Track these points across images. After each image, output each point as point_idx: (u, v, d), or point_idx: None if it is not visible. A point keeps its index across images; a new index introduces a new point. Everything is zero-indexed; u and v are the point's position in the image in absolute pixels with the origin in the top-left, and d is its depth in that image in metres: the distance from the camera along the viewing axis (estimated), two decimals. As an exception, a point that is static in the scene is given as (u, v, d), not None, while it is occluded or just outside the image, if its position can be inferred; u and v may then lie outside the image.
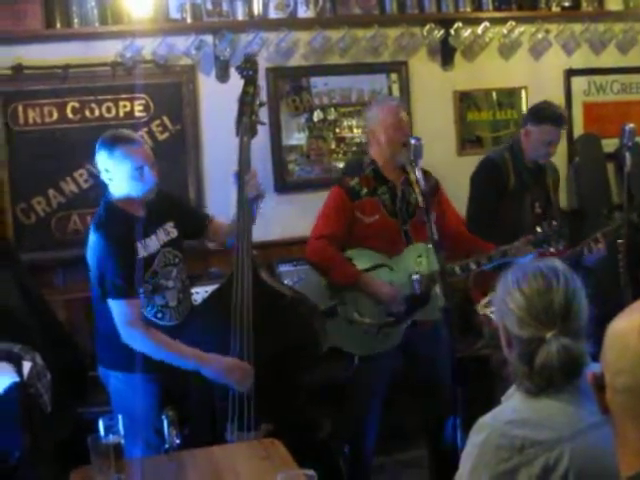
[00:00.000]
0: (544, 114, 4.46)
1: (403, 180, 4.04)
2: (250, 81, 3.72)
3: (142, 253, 3.56)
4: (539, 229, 4.09)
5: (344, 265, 4.04)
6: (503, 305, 2.07)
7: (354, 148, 5.48)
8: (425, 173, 4.15)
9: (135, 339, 3.50)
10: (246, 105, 3.68)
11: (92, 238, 3.56)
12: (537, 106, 4.62)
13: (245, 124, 3.67)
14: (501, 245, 4.11)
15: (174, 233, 3.74)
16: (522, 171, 4.53)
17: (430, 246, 3.70)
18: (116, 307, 3.50)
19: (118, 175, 3.54)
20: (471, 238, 4.25)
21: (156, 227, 3.67)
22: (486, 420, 2.04)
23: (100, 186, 3.74)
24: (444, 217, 4.18)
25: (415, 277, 3.99)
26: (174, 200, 3.96)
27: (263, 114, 5.18)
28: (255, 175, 3.71)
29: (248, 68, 3.73)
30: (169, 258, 3.68)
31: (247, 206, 3.65)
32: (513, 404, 2.06)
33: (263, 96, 5.16)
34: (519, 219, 4.48)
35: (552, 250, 4.06)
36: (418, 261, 4.01)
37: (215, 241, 4.14)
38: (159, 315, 3.66)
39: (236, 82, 3.90)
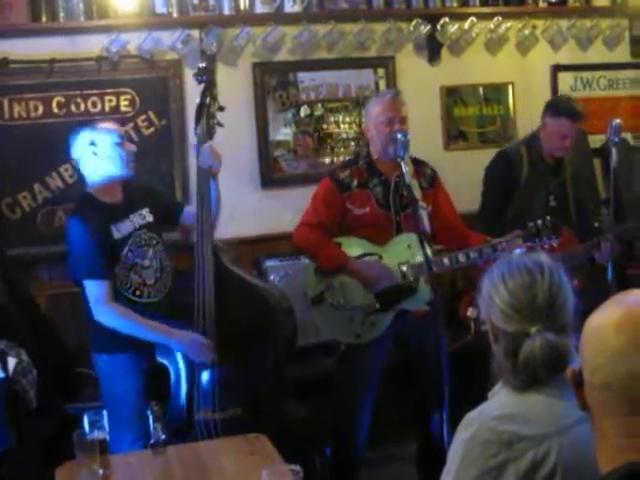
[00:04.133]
0: (561, 107, 4.51)
1: (397, 173, 4.03)
2: (206, 86, 3.90)
3: (116, 235, 3.75)
4: (531, 224, 4.10)
5: (330, 249, 4.07)
6: (489, 299, 2.07)
7: (340, 144, 5.48)
8: (422, 164, 4.18)
9: (106, 316, 3.69)
10: (204, 108, 3.88)
11: (69, 223, 3.80)
12: (556, 99, 4.68)
13: (203, 126, 3.87)
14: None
15: (150, 218, 3.92)
16: (538, 164, 4.59)
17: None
18: (90, 287, 3.70)
19: (104, 145, 3.76)
20: (466, 232, 4.26)
21: (131, 212, 3.85)
22: (473, 416, 2.03)
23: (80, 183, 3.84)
24: (438, 209, 4.18)
25: (403, 267, 4.00)
26: (149, 189, 4.13)
27: (250, 107, 5.23)
28: (211, 147, 3.85)
29: (202, 75, 3.91)
30: (144, 239, 3.85)
31: (205, 175, 3.85)
32: (500, 399, 2.06)
33: (249, 90, 5.22)
34: (531, 210, 4.53)
35: (551, 244, 4.07)
36: (408, 251, 4.01)
37: (188, 230, 4.16)
38: (137, 293, 3.80)
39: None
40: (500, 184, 4.63)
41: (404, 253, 4.03)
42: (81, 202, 3.87)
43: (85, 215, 3.73)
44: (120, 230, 3.76)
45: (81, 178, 3.89)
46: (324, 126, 5.45)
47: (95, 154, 3.76)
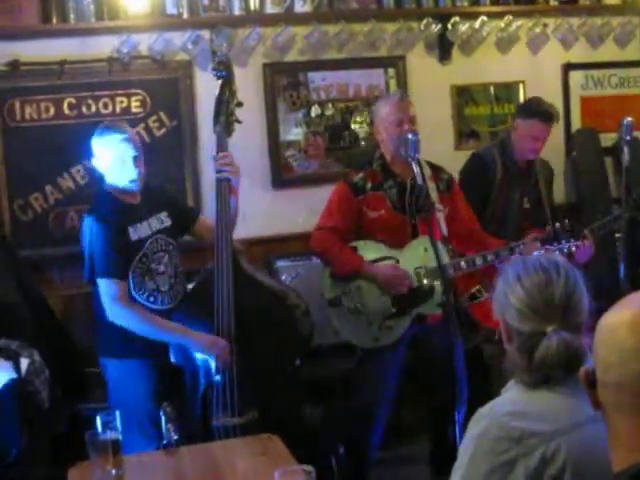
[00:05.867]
0: (533, 109, 4.52)
1: (412, 175, 4.02)
2: (225, 81, 3.83)
3: (133, 236, 3.71)
4: (548, 227, 4.09)
5: (346, 254, 4.06)
6: (503, 299, 2.07)
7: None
8: (439, 169, 4.17)
9: (121, 316, 3.65)
10: (223, 104, 3.81)
11: (85, 222, 3.74)
12: (527, 101, 4.68)
13: (222, 123, 3.81)
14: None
15: (168, 222, 3.89)
16: (510, 166, 4.59)
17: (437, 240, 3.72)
18: (104, 285, 3.66)
19: (103, 162, 3.74)
20: (482, 235, 4.25)
21: (149, 215, 3.81)
22: (484, 412, 2.04)
23: (96, 181, 3.84)
24: (456, 213, 4.17)
25: (420, 271, 4.00)
26: (168, 194, 4.17)
27: (260, 108, 5.23)
28: (227, 156, 3.80)
29: (221, 69, 3.84)
30: (161, 244, 3.82)
31: (222, 188, 3.78)
32: (511, 396, 2.06)
33: (260, 91, 5.22)
34: (506, 213, 4.54)
35: (570, 248, 4.06)
36: (425, 254, 4.01)
37: (203, 237, 4.14)
38: (151, 299, 3.77)
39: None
40: (476, 185, 4.60)
41: (421, 257, 4.02)
42: (98, 200, 3.84)
43: (101, 214, 3.69)
44: (137, 232, 3.73)
45: (99, 175, 3.85)
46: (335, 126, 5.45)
47: (99, 166, 3.77)
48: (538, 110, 4.50)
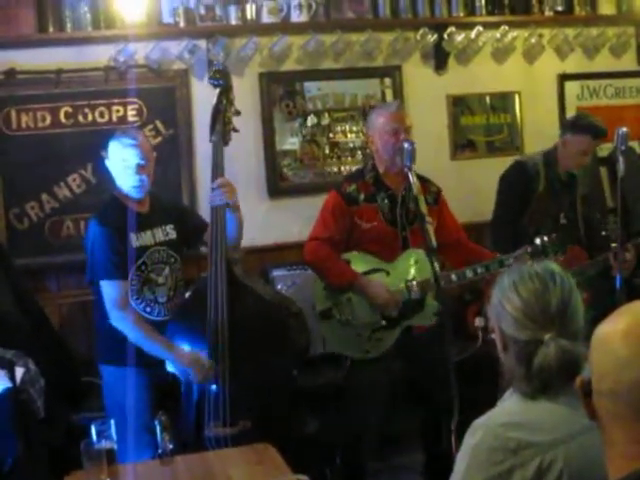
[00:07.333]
0: (584, 125, 4.52)
1: (404, 187, 4.02)
2: (222, 90, 3.84)
3: (134, 243, 3.74)
4: (537, 240, 4.09)
5: (340, 266, 4.05)
6: (499, 307, 2.07)
7: (347, 153, 5.48)
8: (427, 181, 4.16)
9: (121, 321, 3.70)
10: (219, 113, 3.83)
11: (88, 226, 3.82)
12: (576, 117, 4.68)
13: (218, 131, 3.81)
14: (519, 248, 4.13)
15: (173, 235, 3.91)
16: (554, 180, 4.58)
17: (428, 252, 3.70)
18: (106, 288, 3.71)
19: (111, 164, 3.79)
20: (471, 247, 4.26)
21: (155, 225, 3.85)
22: (480, 422, 2.03)
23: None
24: (444, 224, 4.17)
25: (410, 283, 3.99)
26: (179, 208, 4.20)
27: (257, 117, 5.23)
28: (223, 184, 3.77)
29: (218, 78, 3.85)
30: (163, 256, 3.85)
31: (218, 214, 3.75)
32: (508, 406, 2.06)
33: (256, 100, 5.22)
34: (542, 225, 4.51)
35: (557, 259, 4.07)
36: (415, 267, 4.01)
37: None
38: (147, 309, 3.80)
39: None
40: (516, 192, 4.61)
41: (411, 269, 4.02)
42: (106, 204, 3.88)
43: (104, 217, 3.75)
44: (139, 240, 3.76)
45: (111, 178, 3.86)
46: (331, 135, 5.46)
47: (116, 164, 3.77)
48: (589, 126, 4.52)
